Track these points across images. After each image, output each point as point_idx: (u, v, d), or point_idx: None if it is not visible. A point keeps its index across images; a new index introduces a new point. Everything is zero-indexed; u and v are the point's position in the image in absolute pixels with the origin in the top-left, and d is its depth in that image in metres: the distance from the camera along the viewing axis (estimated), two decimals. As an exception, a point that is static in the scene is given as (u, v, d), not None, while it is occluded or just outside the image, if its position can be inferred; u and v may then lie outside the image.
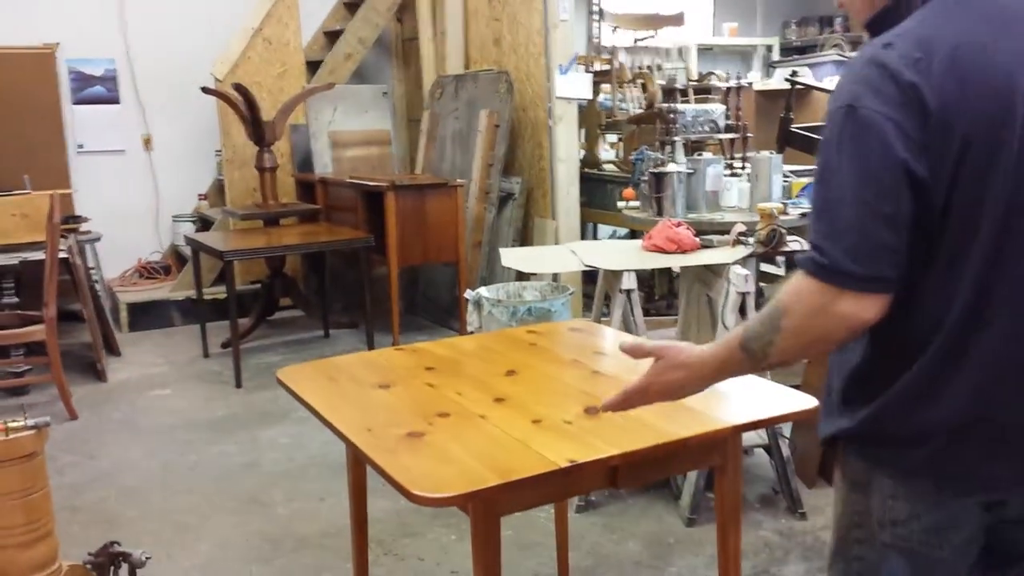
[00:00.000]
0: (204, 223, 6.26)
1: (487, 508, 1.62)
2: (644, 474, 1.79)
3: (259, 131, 5.31)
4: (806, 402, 1.85)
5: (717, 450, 1.86)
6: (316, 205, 5.62)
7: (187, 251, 5.42)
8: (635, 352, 1.45)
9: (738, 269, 3.06)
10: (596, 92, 5.80)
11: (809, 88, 6.28)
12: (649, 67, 6.30)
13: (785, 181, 4.34)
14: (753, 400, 1.88)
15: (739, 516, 1.96)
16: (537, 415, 1.80)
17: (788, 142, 5.46)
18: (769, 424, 1.75)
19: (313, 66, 6.35)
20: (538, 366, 2.18)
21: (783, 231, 3.26)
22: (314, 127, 6.00)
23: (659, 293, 5.38)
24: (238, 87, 5.20)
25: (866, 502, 1.33)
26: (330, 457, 3.63)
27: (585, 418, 1.78)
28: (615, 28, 7.59)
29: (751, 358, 1.28)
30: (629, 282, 3.18)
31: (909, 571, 1.32)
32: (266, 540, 2.99)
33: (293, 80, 6.06)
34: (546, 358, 2.25)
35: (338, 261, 5.92)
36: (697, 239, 3.40)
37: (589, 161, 5.78)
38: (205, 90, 5.47)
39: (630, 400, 1.44)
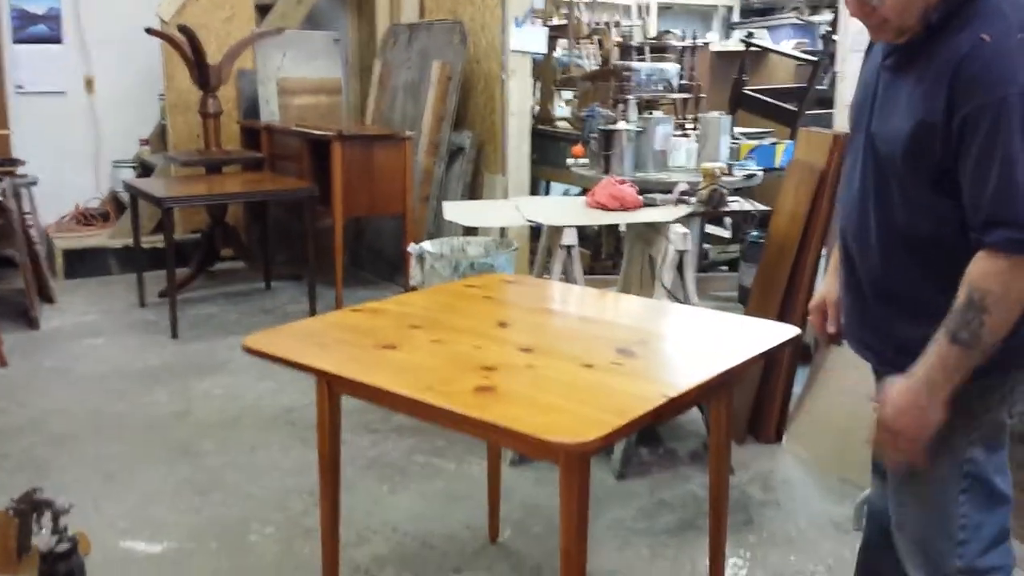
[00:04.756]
0: (145, 169, 6.10)
1: (584, 451, 1.55)
2: (680, 408, 1.83)
3: (204, 75, 5.16)
4: (790, 331, 1.99)
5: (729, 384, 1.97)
6: (261, 153, 5.50)
7: (126, 197, 5.28)
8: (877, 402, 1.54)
9: (677, 227, 3.05)
10: (553, 47, 5.73)
11: (765, 51, 6.28)
12: (607, 23, 6.22)
13: (734, 143, 4.34)
14: (749, 335, 1.99)
15: (730, 440, 2.07)
16: (581, 360, 1.80)
17: (740, 104, 5.46)
18: (775, 352, 1.95)
19: (264, 10, 6.18)
20: (522, 316, 2.21)
21: (724, 191, 3.26)
22: (262, 73, 5.84)
23: (606, 252, 5.38)
24: (183, 29, 5.05)
25: (991, 402, 1.51)
26: (263, 409, 3.59)
27: (627, 359, 1.81)
28: (574, -17, 7.47)
29: (966, 346, 1.40)
30: (570, 238, 3.15)
31: (1010, 447, 1.56)
32: (195, 490, 2.95)
33: (242, 24, 5.89)
34: (519, 309, 2.28)
35: (282, 211, 5.81)
36: (640, 197, 3.38)
37: (543, 117, 5.71)
38: (150, 31, 5.31)
39: (888, 438, 1.50)
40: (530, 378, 1.73)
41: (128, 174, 6.08)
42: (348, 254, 5.54)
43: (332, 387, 1.95)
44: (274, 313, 4.90)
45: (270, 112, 5.81)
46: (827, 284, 1.85)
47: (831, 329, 1.83)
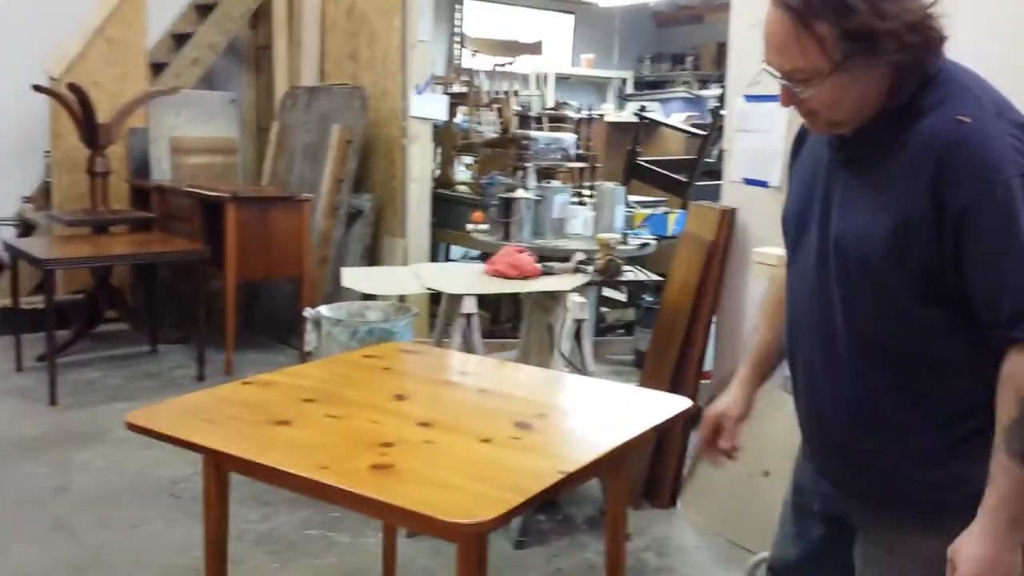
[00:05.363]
0: (27, 228, 5.84)
1: (480, 531, 1.50)
2: (578, 482, 1.78)
3: (93, 134, 5.02)
4: (683, 403, 2.00)
5: (625, 455, 1.93)
6: (150, 213, 5.35)
7: (6, 257, 5.04)
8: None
9: (575, 297, 3.10)
10: (453, 113, 5.82)
11: (656, 123, 6.53)
12: (507, 92, 6.36)
13: (628, 211, 4.47)
14: (644, 407, 2.02)
15: (626, 509, 2.09)
16: (479, 435, 1.78)
17: (634, 174, 5.64)
18: (673, 424, 1.97)
19: (159, 68, 6.07)
20: (421, 388, 2.18)
21: (619, 262, 3.34)
22: (155, 132, 5.73)
23: (505, 316, 5.41)
24: (73, 87, 4.91)
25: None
26: (146, 481, 3.42)
27: (525, 433, 1.80)
28: (475, 52, 7.65)
29: None
30: (470, 306, 3.17)
31: None
32: (72, 570, 2.79)
33: (135, 82, 5.76)
34: (418, 380, 2.25)
35: (172, 273, 5.64)
36: (539, 265, 3.43)
37: (443, 182, 5.77)
38: (37, 88, 5.14)
39: None
40: (428, 454, 1.71)
41: (9, 233, 5.81)
42: (241, 316, 5.40)
43: (221, 466, 1.87)
44: (159, 378, 4.72)
45: (162, 171, 5.69)
46: (732, 397, 1.71)
47: (725, 445, 1.69)
